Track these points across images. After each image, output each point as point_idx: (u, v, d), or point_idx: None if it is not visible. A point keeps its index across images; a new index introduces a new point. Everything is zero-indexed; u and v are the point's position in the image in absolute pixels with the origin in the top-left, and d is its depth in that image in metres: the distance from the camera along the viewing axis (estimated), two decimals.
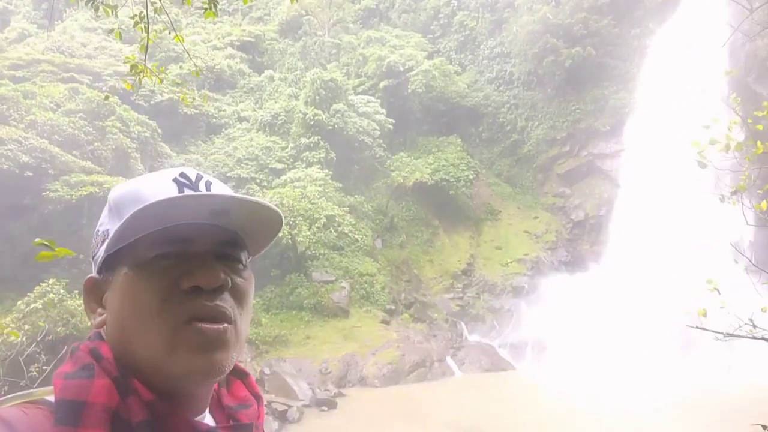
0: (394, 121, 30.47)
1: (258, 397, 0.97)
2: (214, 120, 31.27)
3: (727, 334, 3.06)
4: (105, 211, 0.89)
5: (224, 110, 31.72)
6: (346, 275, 24.31)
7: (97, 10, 3.21)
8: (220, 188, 0.89)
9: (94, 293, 0.88)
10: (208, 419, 0.90)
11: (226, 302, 0.83)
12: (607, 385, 16.95)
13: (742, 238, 17.73)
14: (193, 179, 0.87)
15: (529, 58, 32.18)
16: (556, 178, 31.64)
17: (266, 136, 29.70)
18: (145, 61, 3.41)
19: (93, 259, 0.89)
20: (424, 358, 22.09)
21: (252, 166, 27.94)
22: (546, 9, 31.55)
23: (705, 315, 3.53)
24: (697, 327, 3.22)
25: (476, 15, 36.65)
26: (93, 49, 31.44)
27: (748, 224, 3.73)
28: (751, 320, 3.20)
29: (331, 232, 23.78)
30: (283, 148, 28.75)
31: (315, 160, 27.37)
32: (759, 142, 3.60)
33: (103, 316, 0.86)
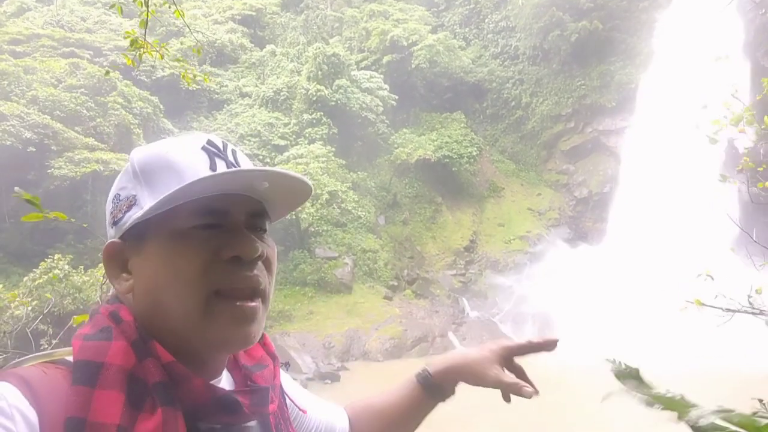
0: (397, 97, 30.19)
1: (274, 357, 0.99)
2: (216, 96, 31.05)
3: (727, 309, 3.10)
4: (128, 175, 0.88)
5: (226, 86, 31.46)
6: (349, 251, 24.45)
7: None
8: (243, 156, 0.92)
9: (117, 259, 0.87)
10: (225, 380, 0.92)
11: (261, 272, 0.86)
12: (606, 357, 17.09)
13: (737, 217, 17.72)
14: (221, 147, 0.89)
15: (535, 32, 31.67)
16: (560, 155, 31.45)
17: (269, 112, 29.51)
18: (145, 36, 3.38)
19: (114, 224, 0.87)
20: (426, 333, 22.35)
21: (255, 142, 27.85)
22: None
23: (701, 304, 3.56)
24: (701, 303, 3.25)
25: None
26: (93, 23, 31.07)
27: (753, 202, 3.73)
28: (749, 298, 3.23)
29: (334, 208, 23.82)
30: (285, 125, 28.60)
31: (318, 136, 27.25)
32: (766, 117, 3.57)
33: (130, 282, 0.85)
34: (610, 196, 27.77)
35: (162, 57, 3.40)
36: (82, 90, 23.81)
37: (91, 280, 14.51)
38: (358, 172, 27.18)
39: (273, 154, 27.34)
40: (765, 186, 3.61)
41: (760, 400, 2.78)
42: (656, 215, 22.33)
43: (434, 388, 1.19)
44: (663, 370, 15.67)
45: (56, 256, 14.93)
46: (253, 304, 0.85)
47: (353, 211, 24.83)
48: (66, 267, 14.68)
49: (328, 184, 23.48)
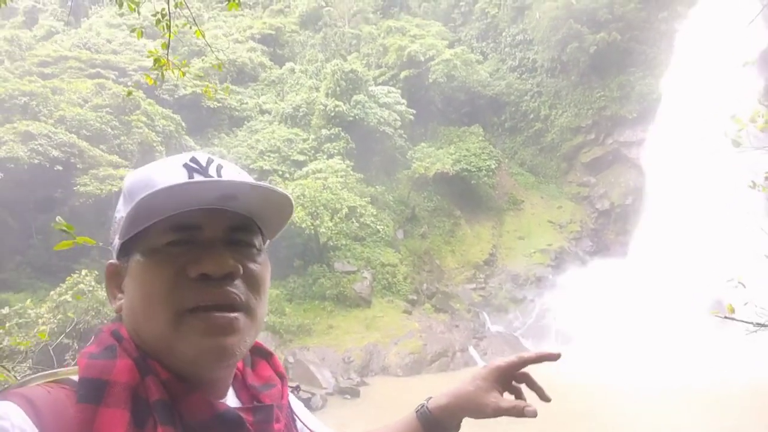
0: (415, 112, 30.33)
1: (282, 377, 0.98)
2: (237, 113, 31.59)
3: (757, 324, 3.00)
4: (120, 199, 0.90)
5: (246, 103, 32.01)
6: (368, 265, 24.43)
7: (121, 5, 3.27)
8: (231, 171, 0.89)
9: (114, 279, 0.89)
10: (231, 400, 0.91)
11: (238, 289, 0.83)
12: (631, 377, 16.74)
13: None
14: (204, 163, 0.87)
15: (553, 44, 31.61)
16: (580, 167, 31.14)
17: (288, 128, 29.90)
18: (168, 55, 3.47)
19: (111, 245, 0.90)
20: (446, 347, 22.11)
21: (274, 158, 28.19)
22: None
23: (733, 311, 3.46)
24: (726, 317, 3.16)
25: (498, 2, 36.10)
26: (118, 44, 32.01)
27: None
28: None
29: (352, 222, 23.89)
30: (304, 140, 28.92)
31: (336, 151, 27.46)
32: None
33: (122, 301, 0.87)
34: (633, 208, 27.33)
35: (183, 74, 3.47)
36: (107, 109, 24.46)
37: None
38: (377, 187, 27.27)
39: (292, 169, 27.63)
40: None
41: None
42: (681, 226, 21.87)
43: (434, 425, 1.15)
44: (687, 384, 15.23)
45: (83, 272, 15.23)
46: (231, 314, 0.82)
47: (372, 225, 24.86)
48: (92, 282, 14.97)
49: (347, 199, 23.59)
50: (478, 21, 36.72)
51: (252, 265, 0.86)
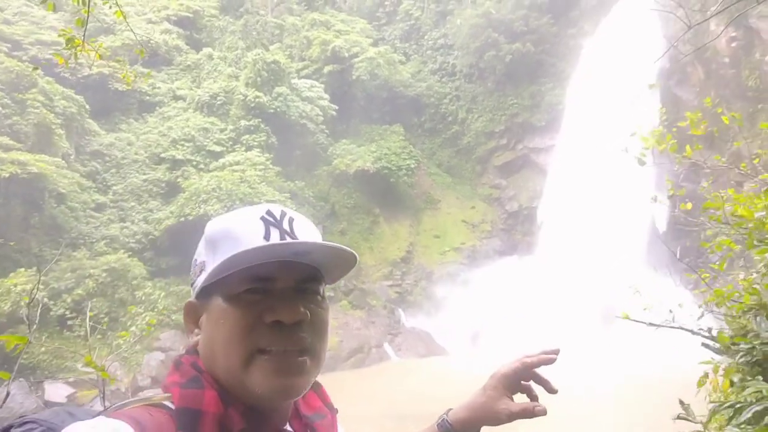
0: (337, 107, 30.22)
1: (331, 408, 1.09)
2: (148, 97, 29.76)
3: (651, 323, 3.34)
4: (202, 243, 1.01)
5: (159, 87, 30.24)
6: None
7: None
8: (302, 225, 1.00)
9: (192, 316, 1.01)
10: (287, 429, 1.01)
11: (305, 332, 0.95)
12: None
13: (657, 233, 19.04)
14: (278, 217, 0.99)
15: (472, 51, 32.80)
16: (493, 170, 32.61)
17: (204, 116, 28.63)
18: (84, 35, 3.21)
19: (192, 286, 1.02)
20: (362, 344, 22.33)
21: (188, 147, 26.90)
22: (489, 4, 32.20)
23: (628, 317, 3.80)
24: (626, 318, 3.48)
25: (421, 5, 36.85)
26: (12, 14, 28.91)
27: (677, 225, 4.05)
28: (671, 312, 3.50)
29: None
30: (221, 130, 27.85)
31: (255, 143, 26.73)
32: (687, 146, 3.90)
33: (199, 337, 0.99)
34: (538, 211, 29.10)
35: (99, 57, 3.22)
36: None
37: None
38: (296, 182, 26.89)
39: (208, 160, 26.52)
40: (686, 208, 3.95)
41: (681, 402, 3.02)
42: (582, 230, 23.58)
43: None
44: (593, 380, 16.44)
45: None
46: (300, 358, 0.94)
47: None
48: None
49: (266, 193, 23.08)
50: (402, 22, 37.27)
51: (318, 311, 0.98)
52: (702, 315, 3.18)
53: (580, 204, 24.44)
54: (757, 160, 4.24)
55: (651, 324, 3.26)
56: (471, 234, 30.12)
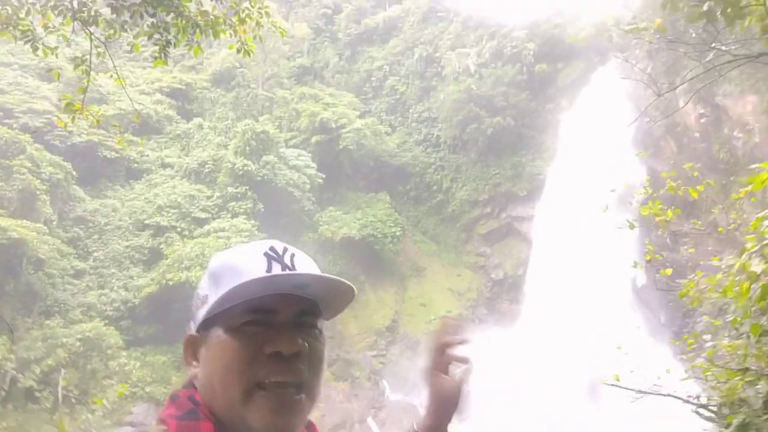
0: (324, 176, 30.73)
1: None
2: (136, 165, 30.05)
3: (639, 391, 3.30)
4: (204, 277, 1.04)
5: (147, 155, 30.62)
6: None
7: (36, 50, 3.12)
8: (303, 261, 1.04)
9: (191, 348, 1.03)
10: None
11: (303, 365, 0.97)
12: None
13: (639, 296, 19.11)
14: (281, 252, 1.02)
15: (455, 123, 34.05)
16: (478, 238, 32.92)
17: (191, 184, 28.85)
18: (83, 101, 3.32)
19: (192, 319, 1.03)
20: (344, 419, 21.43)
21: (173, 214, 26.87)
22: (470, 81, 33.84)
23: (618, 380, 3.78)
24: (612, 384, 3.44)
25: (406, 81, 38.58)
26: (7, 84, 29.61)
27: (657, 289, 4.11)
28: (658, 378, 3.47)
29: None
30: (208, 197, 27.99)
31: (242, 210, 26.83)
32: (669, 210, 4.03)
33: (197, 369, 1.00)
34: (524, 279, 29.14)
35: (97, 122, 3.34)
36: None
37: None
38: None
39: (192, 226, 26.44)
40: (666, 273, 4.03)
41: None
42: (566, 297, 23.56)
43: None
44: None
45: None
46: (297, 396, 0.96)
47: None
48: None
49: None
50: (388, 96, 38.82)
51: (315, 344, 1.01)
52: (687, 377, 3.16)
53: (564, 271, 24.57)
54: (732, 226, 4.38)
55: (639, 391, 3.23)
56: (457, 302, 29.89)
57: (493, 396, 20.76)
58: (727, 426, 2.97)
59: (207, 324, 0.99)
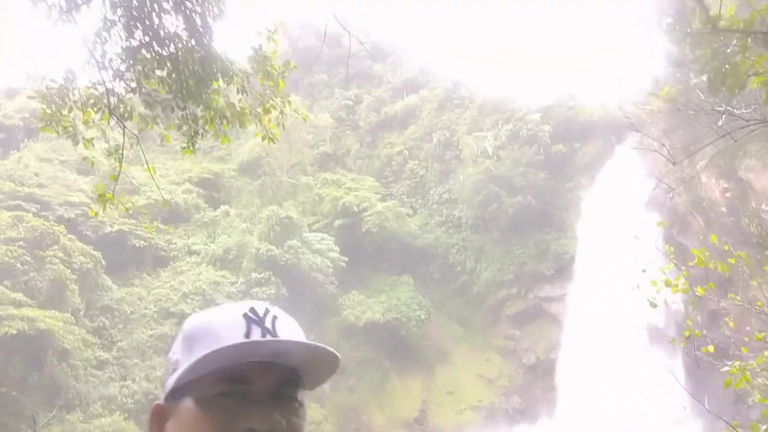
0: (347, 259, 30.80)
1: None
2: (163, 253, 30.68)
3: None
4: (179, 340, 0.96)
5: (175, 243, 31.34)
6: None
7: (76, 143, 3.31)
8: (285, 325, 0.96)
9: (158, 420, 0.93)
10: None
11: None
12: None
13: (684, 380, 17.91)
14: (261, 314, 0.94)
15: (475, 204, 34.32)
16: (506, 320, 31.96)
17: (216, 270, 29.18)
18: (114, 190, 3.45)
19: (163, 385, 0.95)
20: None
21: (198, 301, 26.96)
22: (489, 162, 34.52)
23: None
24: None
25: (425, 164, 39.57)
26: (46, 178, 31.32)
27: (699, 368, 3.85)
28: None
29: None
30: (232, 283, 28.15)
31: (265, 295, 26.77)
32: (699, 287, 3.86)
33: None
34: (558, 364, 27.79)
35: (126, 210, 3.45)
36: (21, 243, 23.04)
37: None
38: (305, 335, 26.33)
39: None
40: (708, 351, 3.78)
41: None
42: (604, 382, 22.27)
43: None
44: None
45: None
46: None
47: None
48: None
49: None
50: (408, 179, 39.69)
51: (294, 419, 0.90)
52: None
53: (598, 355, 23.41)
54: None
55: None
56: (487, 390, 28.45)
57: None
58: None
59: (176, 393, 0.90)
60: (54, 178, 31.94)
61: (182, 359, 0.90)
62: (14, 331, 19.27)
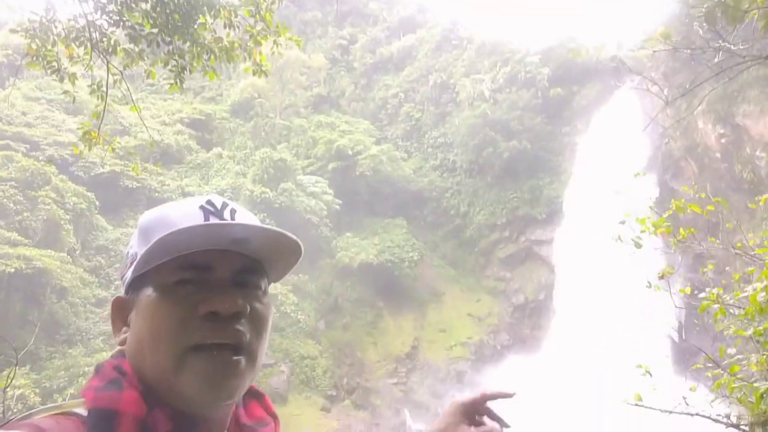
0: (341, 202, 30.90)
1: (275, 417, 1.00)
2: (157, 194, 30.60)
3: (665, 410, 3.17)
4: (135, 235, 0.93)
5: (168, 185, 31.21)
6: (286, 358, 23.33)
7: (62, 80, 3.23)
8: (244, 216, 0.94)
9: (120, 312, 0.93)
10: None
11: (244, 327, 0.86)
12: None
13: (670, 319, 18.57)
14: (219, 206, 0.92)
15: (470, 148, 34.13)
16: (497, 262, 32.57)
17: None
18: (99, 129, 3.40)
19: (121, 279, 0.94)
20: None
21: None
22: (485, 106, 34.02)
23: (641, 399, 3.65)
24: (638, 404, 3.31)
25: (421, 107, 38.97)
26: (34, 118, 30.68)
27: (676, 306, 3.99)
28: (684, 398, 3.34)
29: (273, 311, 23.10)
30: None
31: None
32: (681, 229, 3.94)
33: (126, 334, 0.90)
34: (545, 304, 28.61)
35: (113, 149, 3.40)
36: (12, 183, 22.89)
37: None
38: (299, 275, 26.81)
39: None
40: (685, 292, 3.91)
41: None
42: (590, 323, 23.04)
43: None
44: None
45: None
46: (234, 357, 0.85)
47: (292, 314, 24.10)
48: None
49: None
50: (403, 122, 39.19)
51: (258, 306, 0.90)
52: (715, 398, 3.03)
53: (587, 296, 24.09)
54: (752, 242, 4.26)
55: (665, 411, 3.09)
56: (477, 328, 29.40)
57: (517, 421, 20.23)
58: None
59: (136, 284, 0.88)
60: (42, 117, 31.30)
61: (139, 252, 0.88)
62: (12, 270, 19.48)
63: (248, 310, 0.87)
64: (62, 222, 23.16)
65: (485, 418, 1.20)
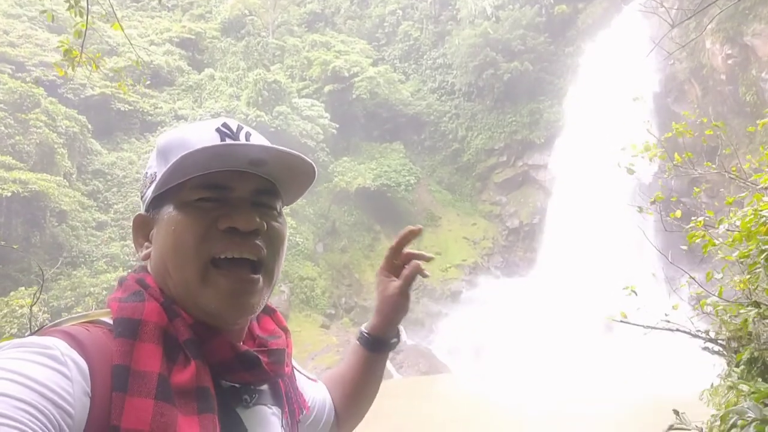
0: (337, 126, 30.46)
1: (286, 330, 1.06)
2: (150, 117, 30.03)
3: (647, 326, 3.33)
4: (153, 155, 0.97)
5: (160, 107, 30.54)
6: (286, 279, 24.00)
7: None
8: (258, 139, 0.98)
9: (141, 229, 0.97)
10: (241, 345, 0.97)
11: (260, 242, 0.92)
12: (537, 386, 17.66)
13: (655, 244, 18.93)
14: (234, 129, 0.95)
15: (470, 70, 33.15)
16: (493, 187, 32.70)
17: None
18: (82, 47, 3.26)
19: (142, 198, 0.98)
20: None
21: None
22: (487, 24, 32.64)
23: (626, 317, 3.81)
24: (621, 321, 3.47)
25: (420, 26, 37.37)
26: (17, 37, 29.38)
27: (666, 230, 4.07)
28: (666, 315, 3.49)
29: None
30: None
31: None
32: (676, 154, 3.93)
33: (149, 250, 0.95)
34: (539, 227, 29.08)
35: (96, 68, 3.27)
36: (1, 105, 22.36)
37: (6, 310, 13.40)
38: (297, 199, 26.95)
39: None
40: (676, 216, 3.97)
41: (676, 411, 2.99)
42: (580, 245, 23.54)
43: (376, 343, 1.31)
44: (592, 393, 16.21)
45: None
46: (253, 276, 0.91)
47: (291, 237, 24.48)
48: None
49: None
50: (401, 42, 37.75)
51: (275, 224, 0.95)
52: (695, 315, 3.17)
53: (579, 219, 24.44)
54: (747, 165, 4.27)
55: (647, 327, 3.25)
56: (472, 251, 30.05)
57: (508, 338, 21.23)
58: (737, 362, 2.99)
59: (157, 202, 0.93)
60: (26, 36, 29.98)
61: (158, 171, 0.92)
62: (9, 194, 19.50)
63: (265, 228, 0.92)
64: (56, 146, 22.88)
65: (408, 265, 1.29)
